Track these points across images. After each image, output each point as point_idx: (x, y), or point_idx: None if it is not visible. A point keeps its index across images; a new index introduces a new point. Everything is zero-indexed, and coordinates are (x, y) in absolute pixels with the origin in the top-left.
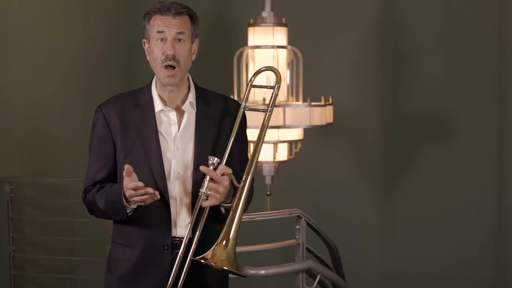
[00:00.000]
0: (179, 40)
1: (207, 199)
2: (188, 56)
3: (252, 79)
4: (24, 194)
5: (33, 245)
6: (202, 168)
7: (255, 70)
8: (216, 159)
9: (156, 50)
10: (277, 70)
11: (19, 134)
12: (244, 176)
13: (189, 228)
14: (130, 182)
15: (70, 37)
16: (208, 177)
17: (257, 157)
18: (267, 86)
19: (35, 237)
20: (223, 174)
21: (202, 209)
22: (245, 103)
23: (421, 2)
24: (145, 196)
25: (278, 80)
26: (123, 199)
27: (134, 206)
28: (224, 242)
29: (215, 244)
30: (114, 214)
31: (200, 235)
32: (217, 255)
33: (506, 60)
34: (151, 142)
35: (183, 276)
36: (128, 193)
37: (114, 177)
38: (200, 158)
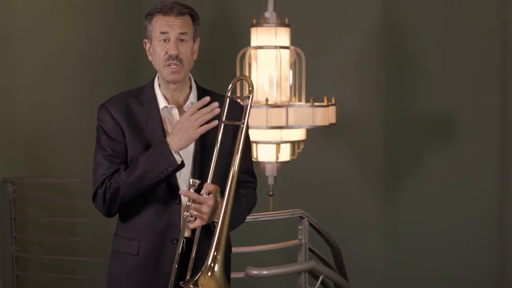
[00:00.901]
0: (182, 40)
1: (195, 219)
2: (190, 55)
3: (229, 92)
4: (27, 194)
5: (35, 245)
6: (182, 192)
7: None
8: (196, 181)
9: (159, 50)
10: (249, 78)
11: (22, 134)
12: (226, 195)
13: (182, 232)
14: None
15: (73, 37)
16: (191, 200)
17: (236, 172)
18: (241, 96)
19: (38, 237)
20: (209, 193)
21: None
22: (224, 117)
23: (423, 2)
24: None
25: (250, 90)
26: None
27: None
28: (209, 273)
29: (201, 271)
30: (160, 171)
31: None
32: (204, 286)
33: (509, 60)
34: (157, 138)
35: (172, 278)
36: (191, 120)
37: None
38: (200, 158)
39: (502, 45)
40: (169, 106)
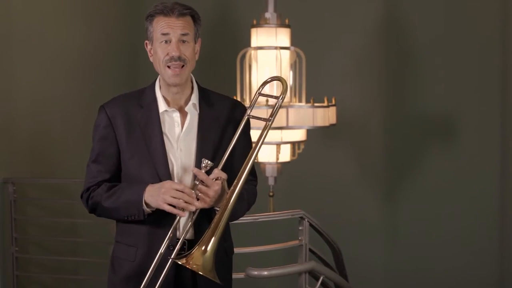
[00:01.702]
0: (184, 41)
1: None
2: (192, 56)
3: (261, 88)
4: (27, 195)
5: (36, 246)
6: (194, 169)
7: (264, 78)
8: (209, 162)
9: (160, 52)
10: (285, 80)
11: (23, 135)
12: (235, 182)
13: (186, 230)
14: (179, 184)
15: (74, 38)
16: (199, 179)
17: (252, 164)
18: (273, 95)
19: (38, 237)
20: (217, 179)
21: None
22: (251, 111)
23: (424, 2)
24: (181, 201)
25: (284, 90)
26: (143, 200)
27: (152, 209)
28: (203, 247)
29: (196, 246)
30: (128, 214)
31: (195, 237)
32: (194, 259)
33: (509, 60)
34: (155, 143)
35: (163, 277)
36: (171, 193)
37: (118, 178)
38: (201, 160)
39: (503, 45)
40: (169, 109)
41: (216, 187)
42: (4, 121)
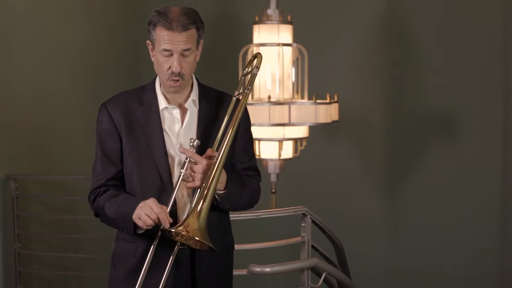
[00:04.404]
0: (185, 55)
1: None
2: (193, 66)
3: (245, 70)
4: (29, 192)
5: (38, 242)
6: (181, 149)
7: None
8: (197, 140)
9: (162, 61)
10: (260, 54)
11: (25, 131)
12: (219, 149)
13: (174, 190)
14: (158, 206)
15: (75, 33)
16: (188, 158)
17: (232, 135)
18: (250, 71)
19: (40, 234)
20: (210, 157)
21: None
22: (238, 92)
23: None
24: (148, 219)
25: (258, 62)
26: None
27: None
28: (197, 209)
29: (188, 214)
30: (122, 226)
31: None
32: (190, 225)
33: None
34: (156, 139)
35: (171, 261)
36: (147, 210)
37: (123, 174)
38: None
39: (505, 42)
40: (169, 106)
41: (204, 162)
42: (6, 118)
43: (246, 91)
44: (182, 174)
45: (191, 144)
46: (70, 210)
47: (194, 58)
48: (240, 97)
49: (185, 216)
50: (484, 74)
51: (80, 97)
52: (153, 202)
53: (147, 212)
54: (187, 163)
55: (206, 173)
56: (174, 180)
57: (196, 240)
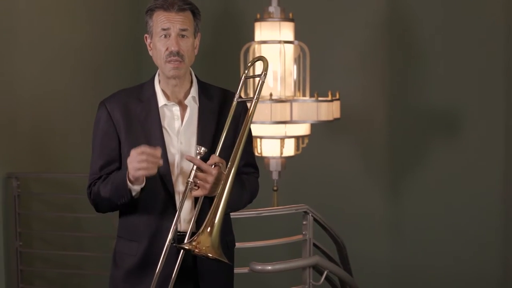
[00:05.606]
0: (183, 36)
1: (198, 189)
2: (191, 51)
3: (246, 72)
4: (31, 190)
5: (40, 241)
6: (187, 157)
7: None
8: (203, 148)
9: (159, 46)
10: (265, 58)
11: (26, 129)
12: (230, 163)
13: (193, 222)
14: (137, 148)
15: (77, 32)
16: (195, 166)
17: (243, 144)
18: (256, 75)
19: (42, 232)
20: (215, 165)
21: (202, 201)
22: (239, 95)
23: None
24: (144, 163)
25: (265, 68)
26: (127, 179)
27: (138, 187)
28: (209, 229)
29: (199, 231)
30: (118, 197)
31: (197, 229)
32: (201, 242)
33: None
34: (155, 137)
35: (177, 266)
36: (137, 159)
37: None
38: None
39: (507, 39)
40: (169, 103)
41: (213, 171)
42: (7, 116)
43: (255, 100)
44: (190, 183)
45: (197, 151)
46: (71, 208)
47: (192, 44)
48: (248, 104)
49: (190, 224)
50: (486, 72)
51: (81, 96)
52: (133, 151)
53: (137, 160)
54: (193, 171)
55: (214, 182)
56: (173, 178)
57: (210, 256)
